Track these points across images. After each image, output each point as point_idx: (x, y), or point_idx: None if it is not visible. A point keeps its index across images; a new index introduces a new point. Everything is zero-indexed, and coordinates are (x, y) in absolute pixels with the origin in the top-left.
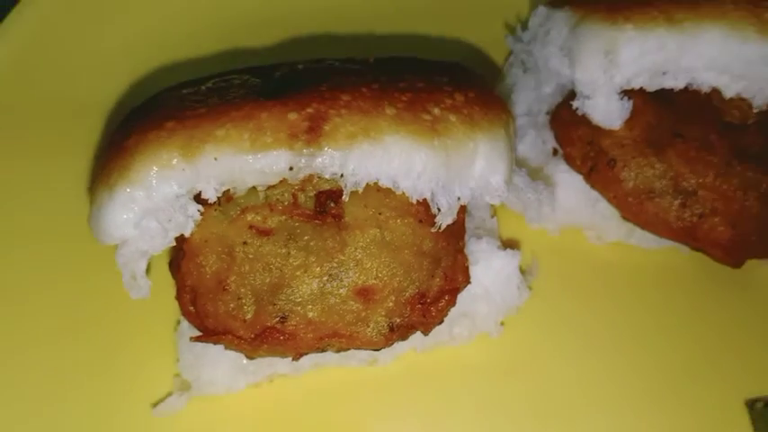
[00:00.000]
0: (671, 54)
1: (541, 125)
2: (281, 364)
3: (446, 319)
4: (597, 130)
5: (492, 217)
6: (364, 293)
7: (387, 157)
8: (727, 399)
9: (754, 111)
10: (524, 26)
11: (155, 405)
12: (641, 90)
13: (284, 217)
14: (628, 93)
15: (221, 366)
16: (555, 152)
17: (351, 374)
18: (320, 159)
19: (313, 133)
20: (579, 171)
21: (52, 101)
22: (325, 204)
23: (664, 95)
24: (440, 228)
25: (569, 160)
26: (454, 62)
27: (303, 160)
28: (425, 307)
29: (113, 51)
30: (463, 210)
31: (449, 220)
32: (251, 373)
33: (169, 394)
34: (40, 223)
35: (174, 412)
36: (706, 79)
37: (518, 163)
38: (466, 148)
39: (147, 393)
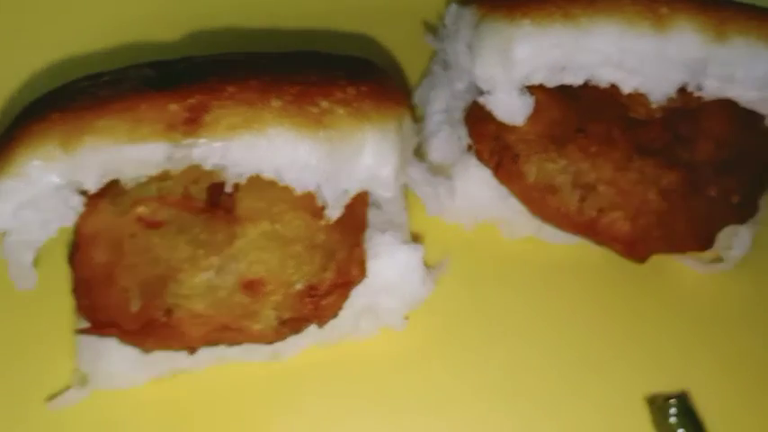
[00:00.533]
0: (567, 50)
1: (457, 122)
2: (182, 359)
3: (351, 313)
4: (503, 126)
5: (404, 210)
6: (252, 287)
7: (270, 149)
8: (630, 394)
9: (653, 106)
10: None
11: (50, 399)
12: (545, 86)
13: (175, 210)
14: (532, 89)
15: (119, 360)
16: (469, 148)
17: (254, 369)
18: (198, 150)
19: (192, 124)
20: (488, 166)
21: None
22: (216, 197)
23: (570, 92)
24: (329, 221)
25: (479, 155)
26: (360, 57)
27: (180, 151)
28: (316, 300)
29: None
30: (364, 203)
31: (337, 213)
32: (151, 368)
33: (67, 388)
34: None
35: (71, 405)
36: (603, 75)
37: (431, 159)
38: (352, 140)
39: (45, 389)
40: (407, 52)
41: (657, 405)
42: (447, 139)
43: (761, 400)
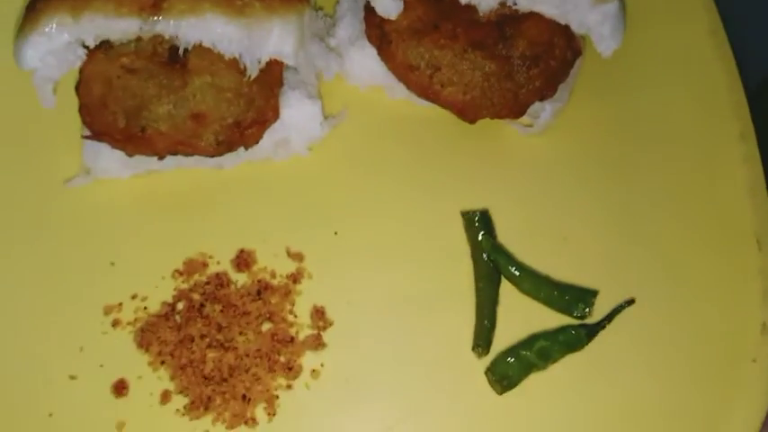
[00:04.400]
0: None
1: (359, 9)
2: (154, 163)
3: (270, 142)
4: (384, 18)
5: (314, 75)
6: (198, 118)
7: (207, 28)
8: (451, 209)
9: (485, 14)
10: None
11: (67, 181)
12: None
13: (146, 61)
14: None
15: (111, 160)
16: (365, 30)
17: (203, 173)
18: (159, 26)
19: (156, 8)
20: (374, 46)
21: None
22: (175, 55)
23: None
24: (250, 78)
25: (368, 38)
26: None
27: (148, 25)
28: (241, 131)
29: None
30: (279, 67)
31: (255, 73)
32: (133, 168)
33: (77, 175)
34: None
35: (81, 186)
36: None
37: (339, 35)
38: (264, 25)
39: (62, 174)
40: None
41: (467, 217)
42: (350, 22)
43: (545, 223)
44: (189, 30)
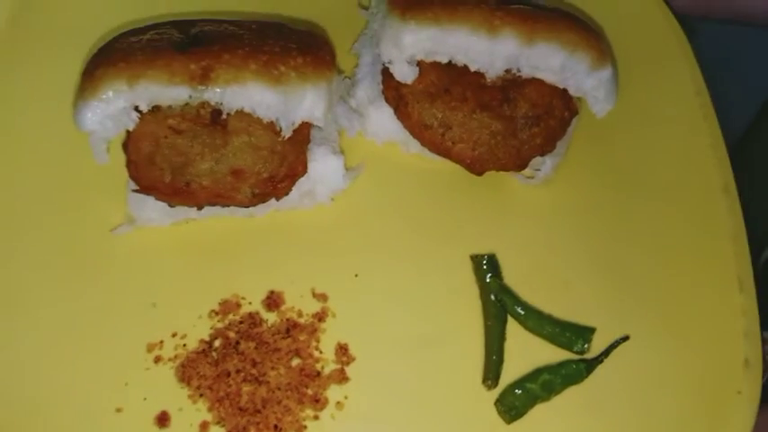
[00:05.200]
0: (436, 42)
1: (377, 74)
2: (192, 212)
3: (297, 194)
4: (400, 82)
5: (336, 132)
6: (237, 173)
7: (248, 96)
8: (462, 254)
9: (489, 80)
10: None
11: (113, 229)
12: (425, 60)
13: (191, 123)
14: (418, 62)
15: (154, 210)
16: (382, 92)
17: (236, 221)
18: (207, 94)
19: (204, 78)
20: (391, 107)
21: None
22: (216, 118)
23: (442, 64)
24: (284, 137)
25: (386, 100)
26: (308, 31)
27: (197, 94)
28: (275, 184)
29: None
30: (308, 127)
31: (290, 134)
32: (173, 216)
33: (122, 224)
34: (40, 117)
35: (126, 234)
36: (458, 59)
37: (358, 96)
38: (297, 93)
39: (108, 223)
40: (353, 17)
41: (476, 260)
42: (369, 84)
43: (547, 266)
44: (233, 97)
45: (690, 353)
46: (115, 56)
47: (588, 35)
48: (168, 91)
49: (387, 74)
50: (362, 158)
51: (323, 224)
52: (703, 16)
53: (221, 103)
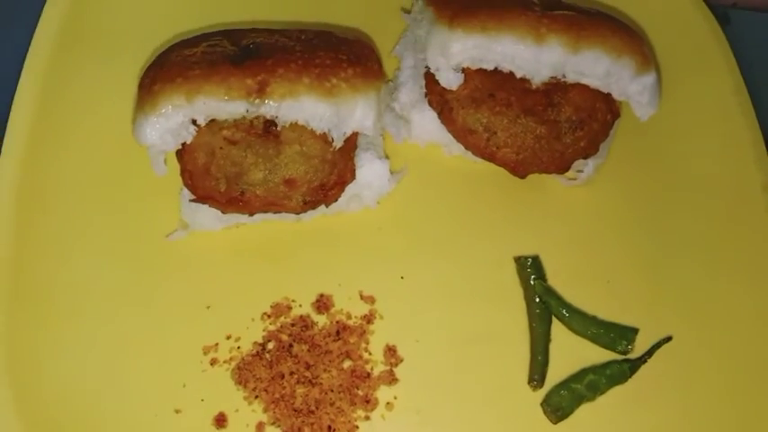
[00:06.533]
0: (482, 49)
1: (419, 76)
2: (242, 218)
3: (344, 198)
4: (445, 88)
5: (381, 137)
6: (289, 182)
7: (302, 108)
8: (505, 255)
9: (536, 84)
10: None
11: (167, 235)
12: (471, 67)
13: (245, 134)
14: (463, 69)
15: (207, 216)
16: (425, 95)
17: (286, 225)
18: (263, 108)
19: (260, 92)
20: (435, 111)
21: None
22: (269, 128)
23: (487, 71)
24: (335, 147)
25: (430, 104)
26: (357, 39)
27: (254, 108)
28: (325, 191)
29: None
30: (355, 135)
31: (341, 144)
32: (225, 221)
33: (176, 230)
34: (95, 126)
35: (180, 239)
36: (504, 66)
37: (401, 99)
38: (349, 104)
39: (162, 229)
40: (393, 20)
41: (520, 262)
42: (412, 88)
43: (589, 267)
44: (288, 111)
45: (732, 353)
46: (172, 70)
47: (632, 40)
48: (226, 105)
49: (430, 78)
50: (406, 161)
51: (369, 227)
52: (734, 4)
53: (276, 117)
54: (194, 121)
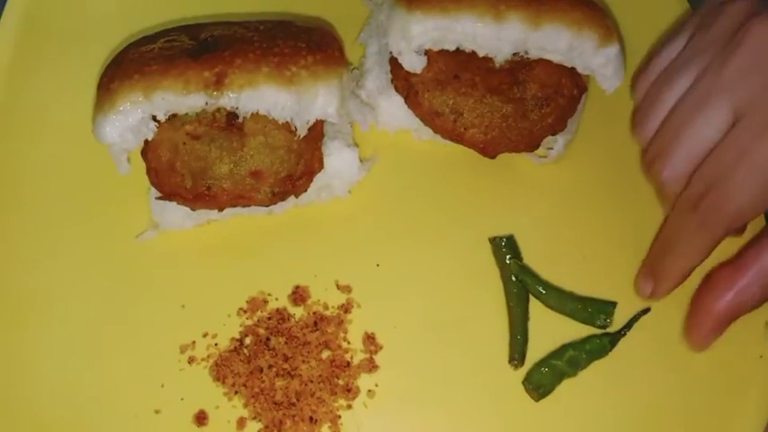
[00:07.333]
0: (443, 30)
1: (385, 63)
2: (213, 214)
3: (314, 188)
4: (409, 72)
5: (348, 125)
6: (256, 174)
7: (262, 98)
8: (480, 237)
9: (500, 63)
10: None
11: (138, 235)
12: (433, 49)
13: (208, 127)
14: (426, 51)
15: (176, 214)
16: (391, 81)
17: (257, 218)
18: (222, 99)
19: (219, 84)
20: (401, 95)
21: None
22: (232, 121)
23: (450, 52)
24: (300, 136)
25: (396, 89)
26: (317, 27)
27: (213, 100)
28: (293, 182)
29: None
30: (321, 123)
31: (305, 132)
32: (195, 219)
33: (146, 230)
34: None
35: (151, 239)
36: (465, 45)
37: (367, 86)
38: (310, 92)
39: (134, 229)
40: (358, 8)
41: (495, 242)
42: (378, 74)
43: (565, 243)
44: (247, 101)
45: None
46: (130, 67)
47: (593, 12)
48: (184, 99)
49: (395, 63)
50: (376, 148)
51: (341, 216)
52: None
53: (237, 108)
54: (154, 118)
